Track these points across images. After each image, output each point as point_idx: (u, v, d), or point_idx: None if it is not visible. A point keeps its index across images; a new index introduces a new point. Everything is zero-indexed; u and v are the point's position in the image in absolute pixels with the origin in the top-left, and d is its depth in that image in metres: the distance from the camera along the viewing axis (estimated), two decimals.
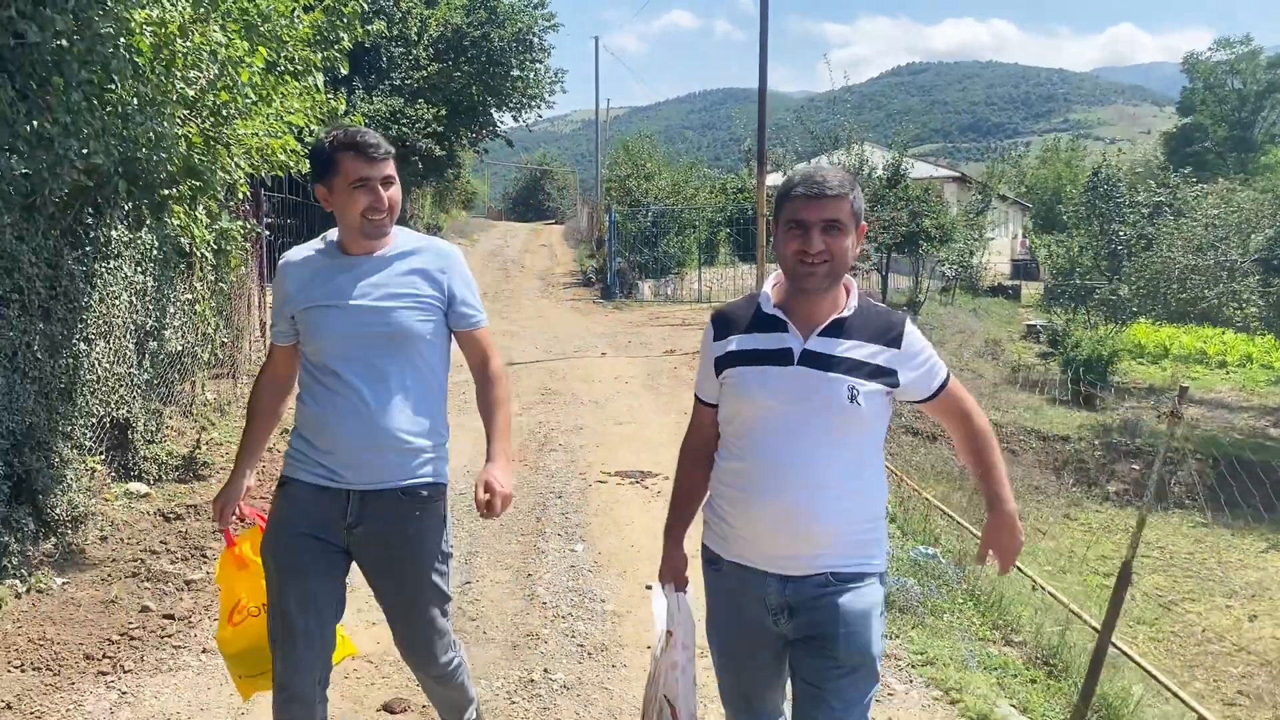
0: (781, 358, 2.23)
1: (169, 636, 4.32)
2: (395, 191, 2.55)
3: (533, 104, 23.48)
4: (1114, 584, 4.01)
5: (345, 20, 9.40)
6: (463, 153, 26.17)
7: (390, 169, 2.53)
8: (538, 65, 22.69)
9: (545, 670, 4.01)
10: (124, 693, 3.82)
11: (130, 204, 6.26)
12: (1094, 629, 4.43)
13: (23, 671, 3.92)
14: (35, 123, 4.60)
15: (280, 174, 8.32)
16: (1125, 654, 5.04)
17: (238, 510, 2.76)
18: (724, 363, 2.31)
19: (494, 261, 26.64)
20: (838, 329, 2.24)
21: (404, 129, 19.36)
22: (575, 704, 3.75)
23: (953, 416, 2.35)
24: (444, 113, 20.77)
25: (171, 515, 5.93)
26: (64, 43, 4.75)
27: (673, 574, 2.53)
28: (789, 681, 2.37)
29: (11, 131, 4.41)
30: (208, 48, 6.35)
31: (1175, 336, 22.43)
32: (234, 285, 9.11)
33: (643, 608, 4.65)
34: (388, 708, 3.71)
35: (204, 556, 5.34)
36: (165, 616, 4.51)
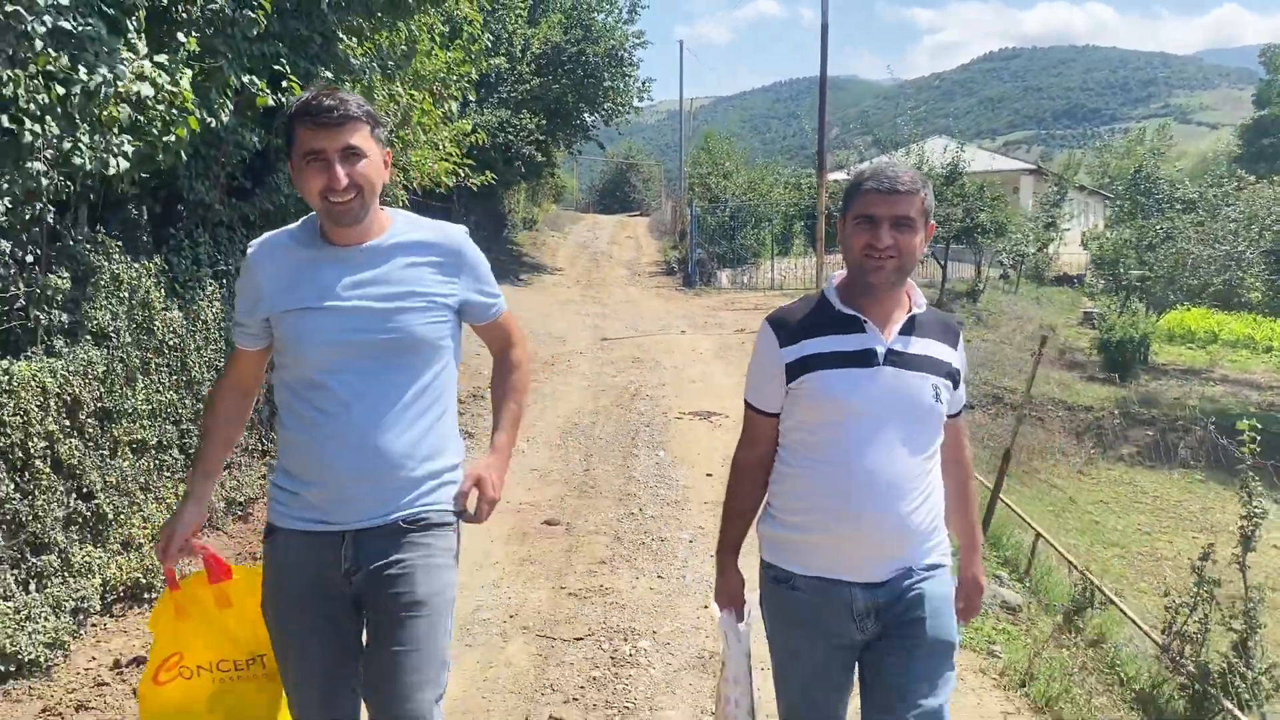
0: (866, 359, 2.16)
1: None
2: (365, 166, 2.10)
3: (622, 110, 25.94)
4: (1000, 461, 6.26)
5: (473, 56, 12.27)
6: (558, 153, 28.79)
7: (354, 136, 2.08)
8: (628, 77, 25.13)
9: (640, 509, 6.46)
10: None
11: None
12: (987, 488, 6.70)
13: None
14: None
15: (446, 189, 11.17)
16: (1043, 535, 7.25)
17: (186, 545, 2.29)
18: (799, 368, 2.19)
19: (584, 252, 29.21)
20: (913, 327, 2.21)
21: (510, 137, 22.02)
22: (659, 526, 6.18)
23: (957, 446, 2.37)
24: (544, 121, 23.40)
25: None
26: None
27: (730, 597, 2.40)
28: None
29: None
30: (393, 100, 9.03)
31: (1225, 322, 23.87)
32: None
33: (701, 485, 7.03)
34: None
35: None
36: None
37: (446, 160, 11.05)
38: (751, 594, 2.39)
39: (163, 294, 5.22)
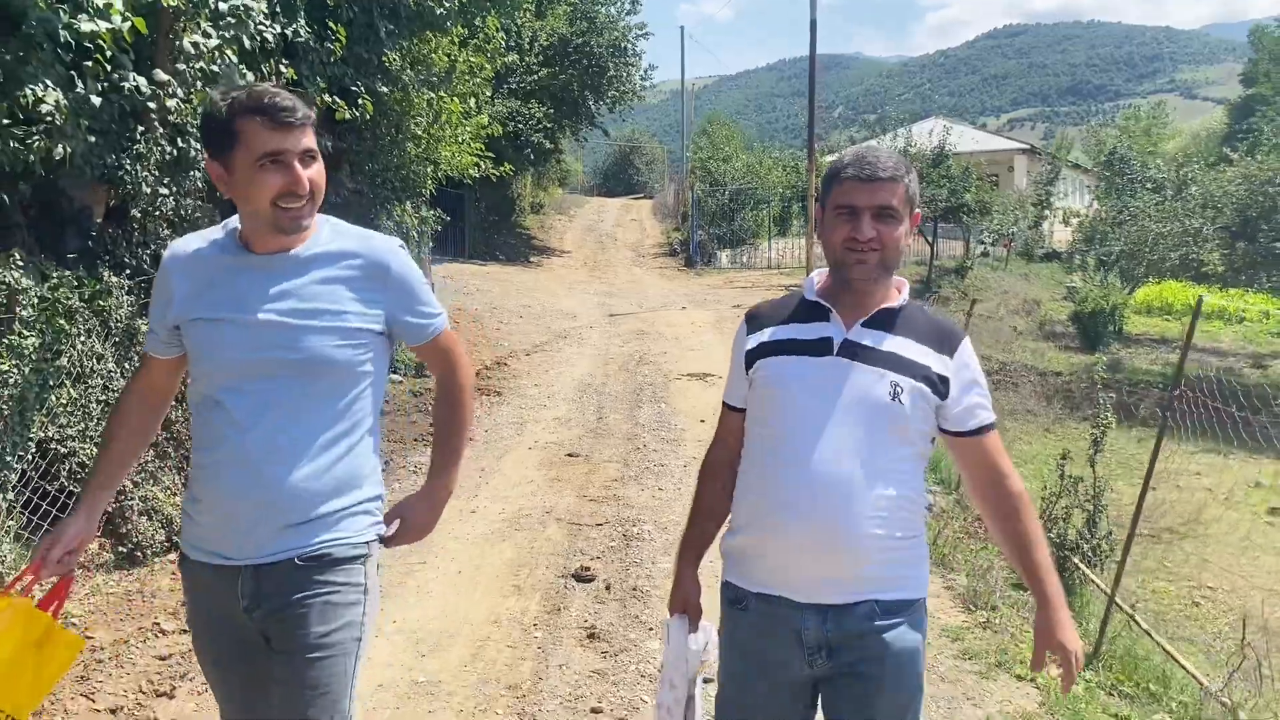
0: (819, 347, 2.00)
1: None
2: (318, 170, 1.96)
3: (626, 99, 27.22)
4: None
5: (490, 55, 13.66)
6: (564, 140, 30.11)
7: (310, 139, 1.93)
8: (631, 67, 26.40)
9: (644, 445, 7.86)
10: None
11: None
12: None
13: None
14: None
15: (470, 179, 12.58)
16: None
17: (67, 560, 2.04)
18: (755, 355, 2.07)
19: (591, 235, 30.56)
20: (885, 322, 2.02)
21: (519, 126, 23.34)
22: (660, 456, 7.57)
23: (985, 470, 2.04)
24: (551, 110, 24.71)
25: (415, 393, 9.92)
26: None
27: (683, 602, 2.22)
28: None
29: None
30: (429, 104, 10.39)
31: (1200, 295, 25.19)
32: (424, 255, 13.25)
33: (696, 428, 8.42)
34: None
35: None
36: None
37: (471, 155, 12.46)
38: (710, 623, 2.23)
39: None
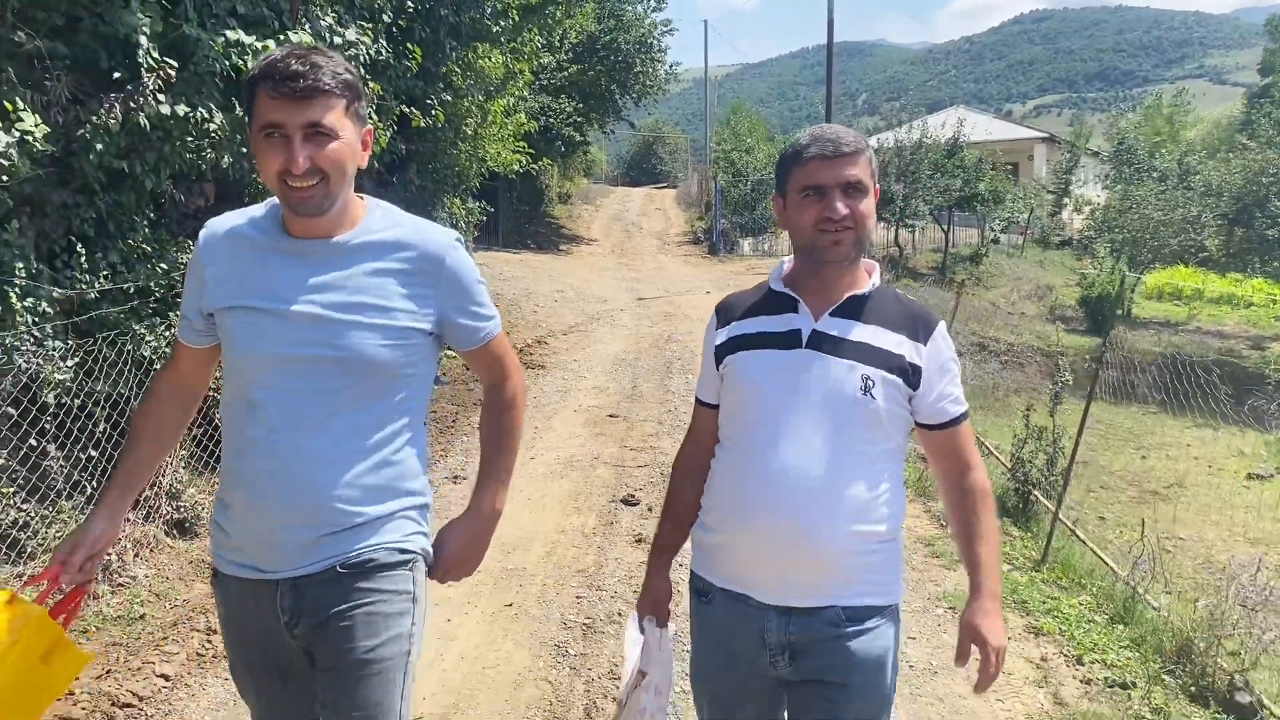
0: (788, 340, 1.95)
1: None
2: (335, 149, 1.75)
3: (651, 92, 28.31)
4: None
5: (527, 57, 14.81)
6: (591, 132, 31.23)
7: (324, 112, 1.73)
8: (656, 62, 27.47)
9: (674, 408, 8.98)
10: None
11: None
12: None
13: None
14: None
15: (512, 174, 13.78)
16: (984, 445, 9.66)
17: (89, 565, 1.90)
18: (724, 350, 2.03)
19: (617, 224, 31.64)
20: (854, 309, 1.96)
21: (550, 120, 24.48)
22: (689, 416, 8.69)
23: (953, 461, 2.00)
24: (580, 104, 25.85)
25: (467, 368, 11.12)
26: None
27: (652, 604, 2.19)
28: None
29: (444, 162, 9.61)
30: (480, 108, 11.53)
31: (1210, 280, 26.02)
32: (470, 245, 14.43)
33: None
34: None
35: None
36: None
37: (512, 151, 13.64)
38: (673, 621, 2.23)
39: None
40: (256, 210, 1.91)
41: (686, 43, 29.47)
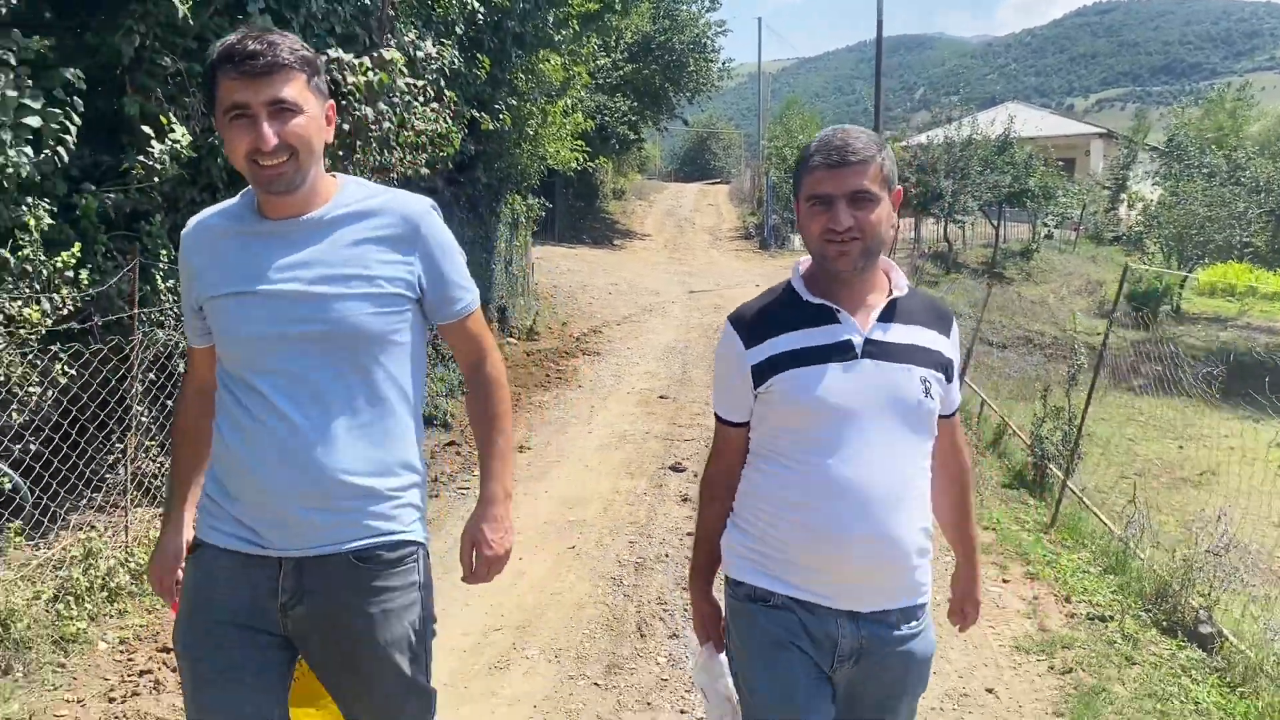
0: (842, 352, 1.92)
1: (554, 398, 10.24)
2: (301, 123, 1.78)
3: (705, 91, 28.92)
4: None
5: (585, 59, 15.53)
6: (645, 129, 31.95)
7: (285, 87, 1.75)
8: (710, 62, 28.07)
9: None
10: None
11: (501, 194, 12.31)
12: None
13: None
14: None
15: (570, 171, 14.53)
16: (987, 402, 10.18)
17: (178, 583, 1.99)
18: (767, 370, 1.95)
19: (670, 220, 32.28)
20: (894, 313, 1.97)
21: (606, 118, 25.23)
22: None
23: (949, 447, 2.12)
24: (635, 103, 26.55)
25: (528, 353, 11.87)
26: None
27: (708, 630, 2.18)
28: None
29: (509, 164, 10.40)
30: (541, 109, 12.25)
31: (1264, 277, 25.96)
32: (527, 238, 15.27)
33: None
34: None
35: (559, 375, 11.22)
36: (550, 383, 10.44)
37: (570, 150, 14.39)
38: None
39: None
40: (230, 202, 1.96)
41: (742, 39, 29.99)
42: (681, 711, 3.69)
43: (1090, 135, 43.41)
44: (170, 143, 4.70)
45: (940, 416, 2.01)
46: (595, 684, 3.88)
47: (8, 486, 4.24)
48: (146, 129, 4.81)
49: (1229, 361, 13.82)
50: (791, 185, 1.98)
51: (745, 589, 2.00)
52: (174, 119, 4.83)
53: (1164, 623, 4.55)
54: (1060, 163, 29.59)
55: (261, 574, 1.84)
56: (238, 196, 1.95)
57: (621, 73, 26.42)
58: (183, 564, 1.98)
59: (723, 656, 2.11)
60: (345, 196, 1.89)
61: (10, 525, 4.19)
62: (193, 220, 1.96)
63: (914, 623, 1.97)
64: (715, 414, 2.12)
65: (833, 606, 1.93)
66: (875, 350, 1.92)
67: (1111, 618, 4.58)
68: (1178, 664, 4.19)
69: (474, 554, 1.94)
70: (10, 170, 4.05)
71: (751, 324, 2.00)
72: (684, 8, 27.78)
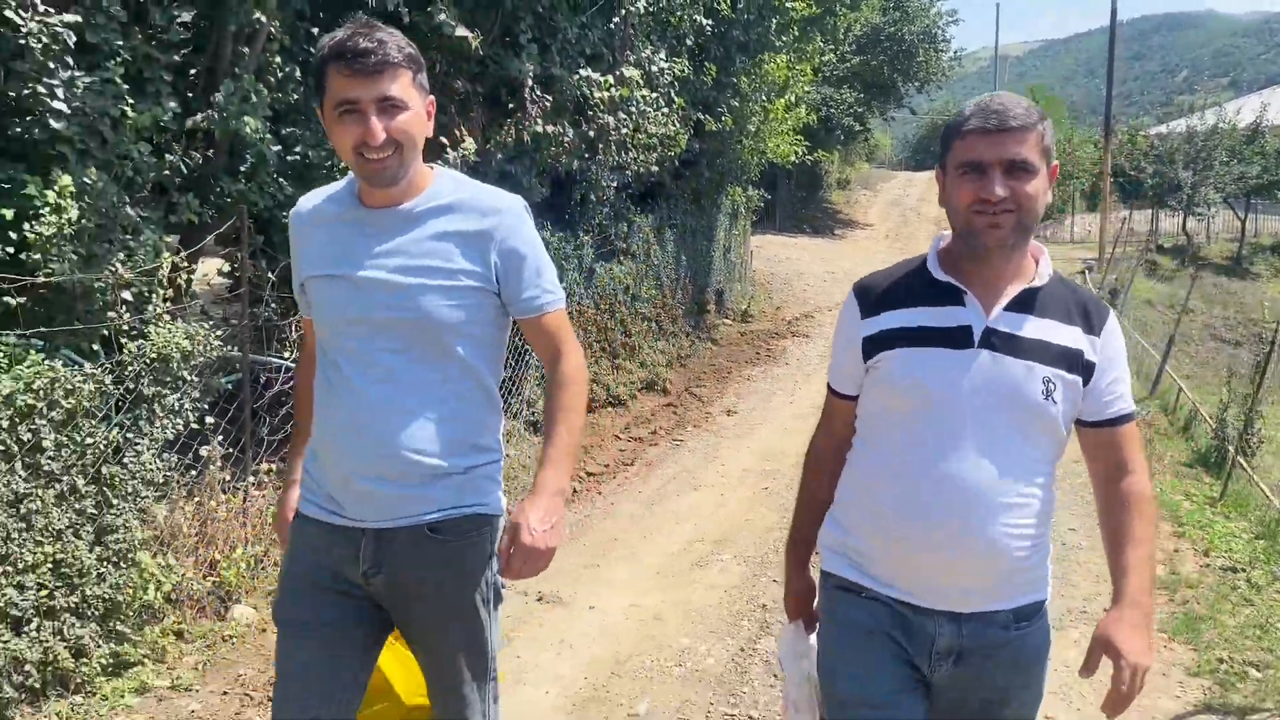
0: (958, 338, 1.80)
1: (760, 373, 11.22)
2: (405, 119, 1.87)
3: (935, 79, 28.86)
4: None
5: (809, 56, 16.32)
6: (872, 120, 32.14)
7: (393, 85, 1.85)
8: (940, 52, 28.00)
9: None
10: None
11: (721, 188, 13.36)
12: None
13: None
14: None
15: (790, 165, 15.45)
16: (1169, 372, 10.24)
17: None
18: (877, 343, 1.86)
19: (894, 209, 32.23)
20: (1028, 303, 1.82)
21: (832, 110, 25.82)
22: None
23: (1111, 462, 1.87)
24: (861, 95, 26.95)
25: (742, 333, 12.88)
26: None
27: (799, 606, 2.13)
28: None
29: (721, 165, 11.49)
30: (762, 107, 13.17)
31: None
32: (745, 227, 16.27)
33: None
34: None
35: (768, 354, 12.19)
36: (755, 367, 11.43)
37: (791, 144, 15.26)
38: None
39: (648, 235, 9.85)
40: (336, 187, 2.04)
41: (983, 22, 29.29)
42: None
43: None
44: (462, 151, 6.08)
45: (1088, 424, 1.86)
46: (774, 581, 4.89)
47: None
48: (443, 139, 6.22)
49: None
50: (939, 153, 1.85)
51: (837, 580, 1.95)
52: (463, 131, 6.22)
53: None
54: None
55: (344, 543, 1.95)
56: (343, 181, 2.05)
57: (849, 65, 26.88)
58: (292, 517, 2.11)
59: (812, 638, 2.07)
60: (438, 190, 1.96)
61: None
62: (302, 201, 2.07)
63: (1029, 621, 1.86)
64: (828, 383, 2.04)
65: (927, 606, 1.84)
66: (996, 341, 1.79)
67: (1243, 569, 5.09)
68: None
69: (511, 545, 1.85)
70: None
71: (872, 294, 1.91)
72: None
